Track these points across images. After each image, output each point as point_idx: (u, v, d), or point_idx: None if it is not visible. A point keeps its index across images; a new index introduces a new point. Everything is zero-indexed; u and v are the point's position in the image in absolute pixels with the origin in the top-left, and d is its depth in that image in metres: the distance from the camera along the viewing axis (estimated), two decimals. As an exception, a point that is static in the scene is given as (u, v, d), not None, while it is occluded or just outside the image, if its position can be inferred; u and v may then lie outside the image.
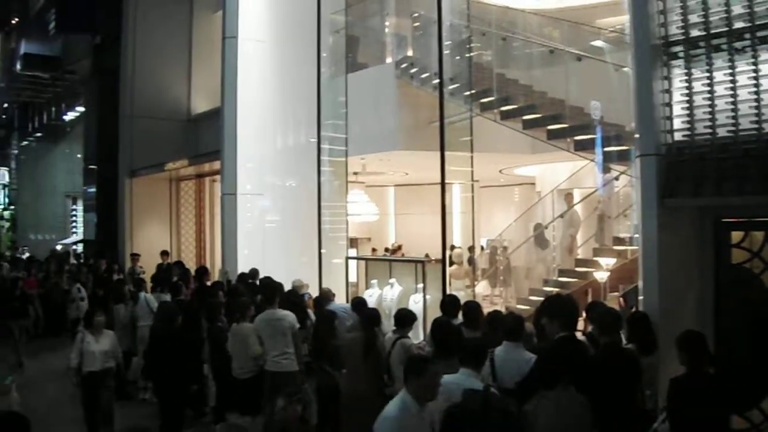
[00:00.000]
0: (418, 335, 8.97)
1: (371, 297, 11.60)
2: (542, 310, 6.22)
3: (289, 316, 8.64)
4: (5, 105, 40.06)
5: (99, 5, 23.10)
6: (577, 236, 12.77)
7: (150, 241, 19.61)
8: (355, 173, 14.44)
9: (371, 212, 15.46)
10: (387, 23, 14.43)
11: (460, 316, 7.52)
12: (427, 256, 12.77)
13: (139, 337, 11.04)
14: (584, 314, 7.35)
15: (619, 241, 11.65)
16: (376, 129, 12.92)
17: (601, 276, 10.90)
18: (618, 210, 12.02)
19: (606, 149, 10.03)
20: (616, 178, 11.21)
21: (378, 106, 13.04)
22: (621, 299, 9.31)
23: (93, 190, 24.25)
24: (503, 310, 10.13)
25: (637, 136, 6.84)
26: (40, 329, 15.99)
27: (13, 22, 40.86)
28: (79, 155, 29.59)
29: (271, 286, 9.77)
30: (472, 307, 7.64)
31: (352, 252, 13.90)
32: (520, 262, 13.66)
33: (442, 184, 10.57)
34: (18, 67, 30.73)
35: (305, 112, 13.82)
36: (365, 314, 7.93)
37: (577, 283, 11.50)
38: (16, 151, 37.30)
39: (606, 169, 10.93)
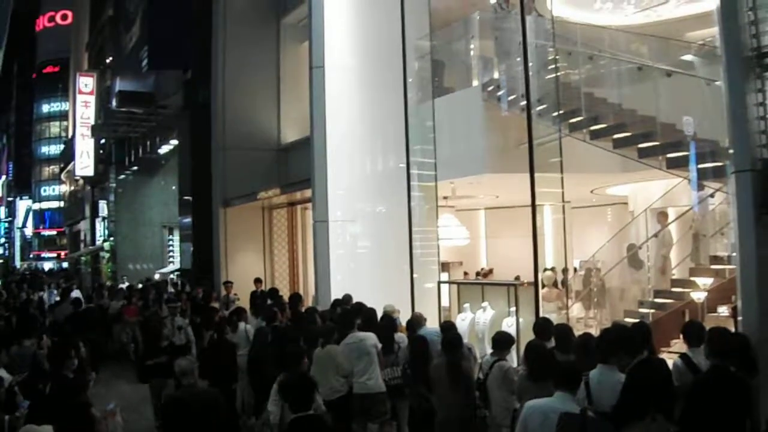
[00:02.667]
0: (512, 358, 9.05)
1: (464, 321, 11.77)
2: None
3: (370, 336, 8.96)
4: (102, 141, 41.91)
5: (189, 42, 24.06)
6: (670, 256, 12.57)
7: (244, 269, 20.23)
8: (445, 197, 14.62)
9: (462, 236, 15.59)
10: (472, 46, 14.59)
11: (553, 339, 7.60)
12: (517, 278, 12.84)
13: (239, 366, 11.26)
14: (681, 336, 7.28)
15: (716, 260, 11.45)
16: (464, 153, 13.10)
17: (698, 296, 10.74)
18: (714, 228, 11.79)
19: (700, 166, 9.94)
20: (712, 196, 11.04)
21: (466, 130, 13.25)
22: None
23: (188, 220, 25.13)
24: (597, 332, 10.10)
25: (731, 151, 6.79)
26: (140, 354, 16.65)
27: (108, 61, 42.96)
28: (174, 187, 30.74)
29: (348, 311, 10.06)
30: (564, 330, 7.75)
31: (444, 276, 14.01)
32: (614, 284, 13.52)
33: (533, 206, 10.66)
34: (113, 103, 32.16)
35: (393, 137, 14.11)
36: (446, 339, 8.11)
37: (673, 304, 11.34)
38: (114, 185, 38.84)
39: (700, 187, 10.80)
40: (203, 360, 9.76)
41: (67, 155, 58.09)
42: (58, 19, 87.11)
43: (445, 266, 14.41)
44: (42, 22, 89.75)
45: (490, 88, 13.29)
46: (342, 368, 8.72)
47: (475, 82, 14.06)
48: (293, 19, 21.21)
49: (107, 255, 41.74)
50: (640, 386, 5.21)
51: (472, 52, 14.65)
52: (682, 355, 6.61)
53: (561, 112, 11.74)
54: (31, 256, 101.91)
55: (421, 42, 14.27)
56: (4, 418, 6.03)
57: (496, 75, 13.74)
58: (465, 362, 7.99)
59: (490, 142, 12.73)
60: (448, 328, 9.13)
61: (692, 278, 11.50)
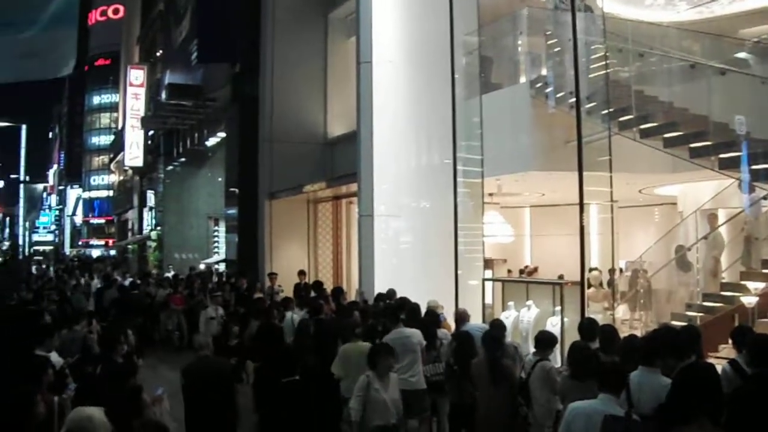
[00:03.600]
0: (555, 359, 8.95)
1: (508, 319, 11.68)
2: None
3: (416, 333, 8.91)
4: (151, 132, 42.46)
5: (237, 36, 24.22)
6: (720, 259, 12.29)
7: (288, 261, 20.32)
8: (491, 194, 14.51)
9: (507, 233, 15.48)
10: (520, 43, 14.45)
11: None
12: (561, 277, 12.69)
13: None
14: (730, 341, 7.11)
15: (768, 263, 11.19)
16: (510, 149, 12.99)
17: (749, 300, 10.48)
18: (767, 231, 11.52)
19: (753, 167, 9.70)
20: (765, 197, 10.77)
21: (512, 127, 13.15)
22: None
23: (234, 211, 25.33)
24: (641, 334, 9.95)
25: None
26: (185, 343, 16.86)
27: (158, 54, 43.48)
28: (220, 179, 31.01)
29: (394, 306, 10.03)
30: (609, 331, 7.66)
31: (488, 273, 13.90)
32: (660, 286, 13.27)
33: (581, 204, 10.51)
34: (163, 96, 32.49)
35: (439, 133, 14.05)
36: (487, 335, 8.06)
37: (722, 308, 11.06)
38: (162, 176, 39.33)
39: (753, 188, 10.54)
40: (255, 345, 9.87)
41: (117, 146, 59.07)
42: (110, 13, 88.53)
43: (488, 263, 14.30)
44: (94, 16, 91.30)
45: (539, 85, 13.16)
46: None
47: (523, 79, 13.94)
48: (341, 14, 21.27)
49: (154, 244, 42.34)
50: (687, 390, 5.07)
51: (519, 48, 14.51)
52: (731, 361, 6.45)
53: (610, 110, 11.55)
54: (80, 243, 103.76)
55: (469, 38, 14.16)
56: (53, 398, 6.12)
57: (544, 72, 13.60)
58: (507, 360, 7.91)
59: (537, 139, 12.60)
60: (496, 325, 9.01)
61: (743, 282, 11.24)
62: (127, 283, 22.59)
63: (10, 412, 5.02)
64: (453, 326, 10.24)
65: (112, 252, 75.87)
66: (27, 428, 5.00)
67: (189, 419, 7.62)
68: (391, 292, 12.06)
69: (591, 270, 12.52)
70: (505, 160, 13.04)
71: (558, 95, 12.48)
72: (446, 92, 13.81)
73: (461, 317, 10.06)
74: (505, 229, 15.43)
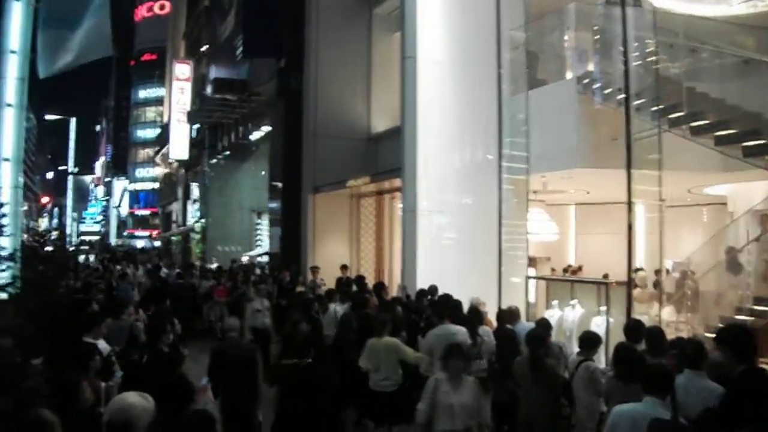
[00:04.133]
0: (600, 359, 8.80)
1: (552, 318, 11.52)
2: (717, 340, 5.96)
3: (462, 331, 8.87)
4: (197, 126, 42.91)
5: (283, 31, 24.30)
6: (773, 261, 11.96)
7: (330, 255, 20.40)
8: (535, 191, 14.34)
9: (551, 231, 15.29)
10: (567, 38, 14.24)
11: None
12: (605, 276, 12.49)
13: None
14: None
15: (823, 267, 10.85)
16: (556, 146, 12.83)
17: (804, 305, 10.18)
18: (823, 233, 11.19)
19: (810, 167, 9.43)
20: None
21: (558, 123, 12.97)
22: None
23: (277, 205, 25.49)
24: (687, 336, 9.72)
25: None
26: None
27: (203, 49, 43.89)
28: (264, 172, 31.24)
29: (440, 301, 9.97)
30: (656, 332, 7.48)
31: (531, 271, 13.75)
32: (709, 288, 12.96)
33: (629, 203, 10.36)
34: (208, 90, 32.91)
35: (483, 129, 13.98)
36: (530, 334, 8.00)
37: (775, 312, 10.76)
38: (206, 169, 39.76)
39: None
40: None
41: (163, 139, 59.82)
42: (156, 9, 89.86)
43: (532, 261, 14.16)
44: (141, 12, 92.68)
45: (586, 81, 12.93)
46: (408, 357, 8.73)
47: (570, 75, 13.72)
48: (386, 9, 21.26)
49: (198, 236, 42.82)
50: (744, 395, 4.93)
51: (566, 44, 14.29)
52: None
53: (660, 106, 11.29)
54: (125, 234, 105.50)
55: (515, 33, 14.04)
56: (100, 384, 6.23)
57: (591, 67, 13.38)
58: (551, 359, 7.82)
59: (584, 136, 12.41)
60: (541, 324, 8.94)
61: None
62: (174, 273, 22.95)
63: (58, 396, 5.12)
64: (495, 323, 10.11)
65: (157, 243, 76.92)
66: (74, 413, 5.09)
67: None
68: (433, 288, 12.00)
69: (637, 270, 12.30)
70: (551, 156, 12.88)
71: (606, 91, 12.26)
72: (491, 88, 13.74)
73: (511, 316, 9.97)
74: (550, 227, 15.23)
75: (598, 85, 12.59)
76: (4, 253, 6.92)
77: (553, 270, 16.38)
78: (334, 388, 7.45)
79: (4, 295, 6.92)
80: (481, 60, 14.01)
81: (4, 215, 6.92)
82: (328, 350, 10.56)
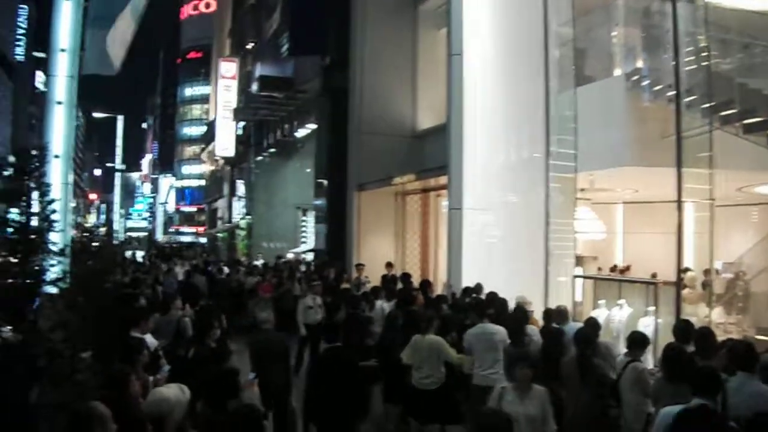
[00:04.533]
0: (647, 360, 8.73)
1: (599, 318, 11.41)
2: None
3: (501, 330, 8.85)
4: (242, 123, 43.39)
5: (328, 28, 24.48)
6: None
7: (376, 252, 20.51)
8: (582, 189, 14.22)
9: (598, 230, 15.16)
10: (615, 34, 14.11)
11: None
12: (654, 276, 12.36)
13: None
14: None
15: None
16: (604, 144, 12.71)
17: None
18: None
19: None
20: None
21: (606, 121, 12.85)
22: None
23: (322, 202, 25.69)
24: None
25: None
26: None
27: (249, 47, 44.35)
28: (309, 170, 31.53)
29: (480, 300, 9.98)
30: (706, 334, 7.40)
31: (577, 271, 13.66)
32: (760, 289, 12.75)
33: (679, 202, 10.25)
34: (254, 88, 33.27)
35: (530, 127, 13.92)
36: (578, 333, 7.96)
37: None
38: (252, 166, 40.19)
39: None
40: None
41: (209, 136, 60.60)
42: (201, 7, 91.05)
43: (578, 260, 14.03)
44: (186, 11, 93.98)
45: (635, 78, 12.77)
46: (451, 357, 8.74)
47: (618, 71, 13.58)
48: (431, 6, 21.26)
49: (243, 232, 43.30)
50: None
51: (614, 40, 14.15)
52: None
53: (712, 103, 11.12)
54: (171, 230, 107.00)
55: (562, 29, 13.93)
56: (148, 378, 6.41)
57: (640, 64, 13.23)
58: (598, 359, 7.76)
59: (633, 134, 12.26)
60: (589, 324, 8.88)
61: None
62: (215, 269, 23.30)
63: (108, 389, 5.29)
64: (541, 323, 10.08)
65: (202, 239, 77.91)
66: (123, 405, 5.25)
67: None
68: (479, 287, 12.02)
69: (685, 270, 12.16)
70: (599, 154, 12.76)
71: (655, 88, 12.09)
72: (538, 85, 13.67)
73: (560, 315, 9.89)
74: (597, 226, 15.08)
75: (647, 81, 12.42)
76: (55, 249, 7.09)
77: (600, 269, 16.24)
78: (357, 369, 7.62)
79: (55, 290, 7.10)
80: (527, 57, 13.94)
81: (54, 211, 7.10)
82: (373, 346, 10.72)
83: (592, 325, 8.82)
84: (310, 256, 29.41)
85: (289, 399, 8.43)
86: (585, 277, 13.45)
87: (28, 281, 6.74)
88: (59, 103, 12.55)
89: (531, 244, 13.41)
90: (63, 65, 12.71)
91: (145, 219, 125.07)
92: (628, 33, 13.80)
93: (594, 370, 7.37)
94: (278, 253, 32.55)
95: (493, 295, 10.94)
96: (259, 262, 27.59)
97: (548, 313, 10.06)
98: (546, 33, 13.73)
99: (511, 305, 10.49)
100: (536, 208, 13.46)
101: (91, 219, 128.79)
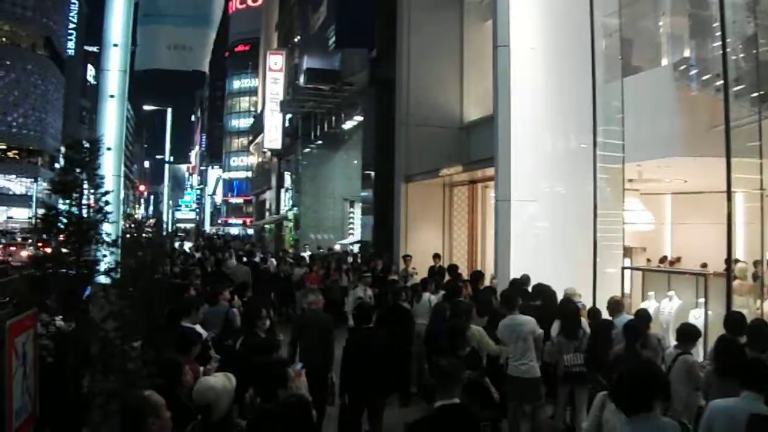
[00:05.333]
0: (698, 353, 8.77)
1: (648, 310, 11.47)
2: None
3: (530, 322, 9.00)
4: (290, 116, 43.81)
5: (374, 21, 24.62)
6: None
7: (423, 244, 20.69)
8: (630, 180, 14.21)
9: (647, 221, 15.10)
10: (661, 23, 14.05)
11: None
12: (703, 267, 12.32)
13: (415, 333, 11.65)
14: None
15: None
16: (652, 134, 12.70)
17: None
18: None
19: None
20: None
21: (654, 111, 12.82)
22: None
23: (369, 194, 25.90)
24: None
25: None
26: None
27: (296, 40, 44.72)
28: (356, 161, 31.83)
29: (510, 292, 10.08)
30: (758, 326, 7.43)
31: (626, 262, 13.66)
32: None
33: (728, 192, 10.19)
34: (301, 80, 33.55)
35: (577, 117, 13.92)
36: (626, 325, 8.03)
37: None
38: (299, 158, 40.57)
39: None
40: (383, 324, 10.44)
41: (256, 128, 61.25)
42: (249, 1, 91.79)
43: (627, 252, 14.00)
44: (234, 5, 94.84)
45: (682, 68, 12.72)
46: (489, 348, 8.85)
47: (665, 61, 13.55)
48: (477, -3, 21.27)
49: (290, 224, 43.74)
50: None
51: (661, 30, 14.10)
52: None
53: (761, 92, 11.05)
54: (219, 222, 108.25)
55: (609, 19, 13.89)
56: (199, 368, 6.65)
57: (687, 53, 13.17)
58: (648, 351, 7.82)
59: (681, 124, 12.22)
60: (640, 316, 8.91)
61: None
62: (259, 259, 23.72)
63: (164, 378, 5.56)
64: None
65: (250, 231, 78.71)
66: (175, 394, 5.54)
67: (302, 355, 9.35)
68: (526, 278, 12.07)
69: (737, 261, 12.09)
70: (646, 145, 12.75)
71: (703, 78, 12.04)
72: (585, 75, 13.63)
73: (614, 307, 9.90)
74: (645, 217, 15.02)
75: (695, 71, 12.38)
76: (108, 240, 7.31)
77: (648, 261, 16.20)
78: (386, 349, 8.79)
79: (107, 280, 7.31)
80: (574, 47, 13.92)
81: (108, 203, 7.31)
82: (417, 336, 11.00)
83: (643, 317, 8.84)
84: (356, 248, 29.71)
85: (329, 374, 9.08)
86: (634, 269, 13.45)
87: (81, 271, 6.89)
88: (111, 96, 12.95)
89: (579, 236, 13.42)
90: (115, 60, 13.08)
91: (193, 210, 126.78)
92: (674, 22, 13.75)
93: (641, 363, 7.39)
94: (325, 244, 32.92)
95: (540, 287, 11.05)
96: (306, 254, 27.96)
97: (594, 310, 10.14)
98: (592, 23, 13.69)
99: (560, 297, 10.61)
100: (584, 199, 13.46)
101: (140, 210, 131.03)
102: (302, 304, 19.02)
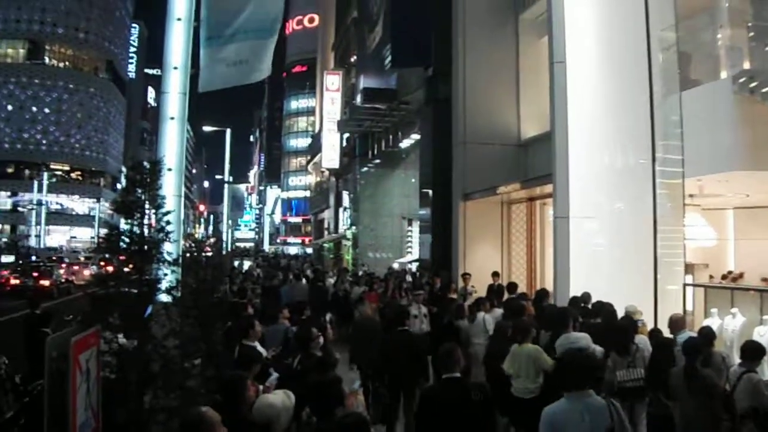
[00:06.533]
0: (763, 371, 8.65)
1: (711, 327, 11.37)
2: None
3: (583, 338, 8.98)
4: (347, 135, 44.29)
5: (429, 40, 24.84)
6: None
7: (481, 262, 20.71)
8: (691, 195, 14.11)
9: (708, 237, 14.94)
10: (720, 36, 13.96)
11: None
12: (765, 281, 12.15)
13: (471, 354, 11.59)
14: None
15: None
16: (712, 148, 12.65)
17: None
18: None
19: None
20: None
21: (714, 125, 12.75)
22: None
23: (427, 212, 26.00)
24: None
25: None
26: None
27: (352, 59, 45.28)
28: (414, 180, 32.00)
29: (561, 311, 10.07)
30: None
31: (688, 279, 13.53)
32: None
33: (792, 207, 10.11)
34: (358, 100, 33.93)
35: (635, 133, 13.89)
36: (687, 343, 7.90)
37: None
38: (357, 177, 40.93)
39: None
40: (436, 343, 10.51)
41: (314, 148, 62.00)
42: (305, 22, 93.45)
43: (688, 268, 13.85)
44: (291, 26, 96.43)
45: (742, 80, 12.64)
46: (547, 364, 8.83)
47: (724, 74, 13.45)
48: (532, 14, 21.45)
49: (349, 243, 44.04)
50: None
51: (719, 42, 14.01)
52: None
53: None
54: (278, 241, 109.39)
55: (665, 33, 13.89)
56: (259, 386, 6.80)
57: (747, 66, 13.07)
58: (709, 370, 7.75)
59: (742, 137, 12.16)
60: (702, 334, 8.81)
61: None
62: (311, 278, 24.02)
63: (227, 394, 5.77)
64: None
65: (309, 250, 79.37)
66: (237, 410, 5.71)
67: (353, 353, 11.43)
68: (586, 296, 11.99)
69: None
70: (707, 159, 12.69)
71: (764, 90, 11.97)
72: (643, 90, 13.64)
73: (674, 324, 9.85)
74: (707, 233, 14.87)
75: (755, 83, 12.30)
76: (169, 259, 7.52)
77: (711, 277, 16.00)
78: (416, 348, 10.27)
79: (168, 298, 7.51)
80: (631, 62, 13.93)
81: (169, 222, 7.55)
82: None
83: (705, 334, 8.73)
84: (415, 266, 29.83)
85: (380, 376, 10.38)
86: (696, 285, 13.33)
87: (143, 290, 7.09)
88: (172, 118, 13.36)
89: (639, 252, 13.36)
90: (175, 82, 13.45)
91: (252, 230, 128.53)
92: (733, 34, 13.67)
93: (702, 381, 7.24)
94: (385, 263, 33.09)
95: (601, 304, 11.03)
96: (364, 272, 28.18)
97: (655, 330, 10.08)
98: (649, 37, 13.71)
99: (620, 314, 10.58)
100: (644, 215, 13.42)
101: (200, 230, 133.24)
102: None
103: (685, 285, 12.98)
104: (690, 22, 14.12)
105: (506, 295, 14.78)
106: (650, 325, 10.63)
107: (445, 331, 11.68)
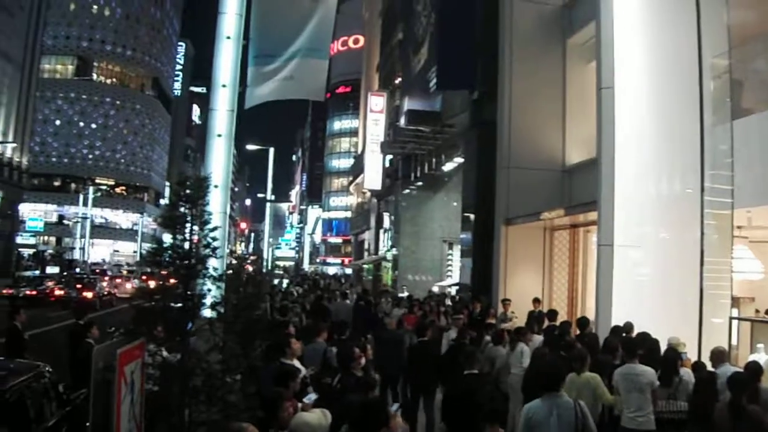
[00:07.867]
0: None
1: (759, 362, 11.13)
2: None
3: (648, 372, 8.82)
4: (390, 157, 44.45)
5: (475, 63, 24.86)
6: None
7: (522, 288, 20.60)
8: (739, 227, 13.85)
9: (756, 270, 14.62)
10: (774, 64, 13.77)
11: None
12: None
13: (508, 384, 11.64)
14: None
15: None
16: (763, 179, 12.45)
17: None
18: None
19: None
20: None
21: (765, 155, 12.53)
22: None
23: (468, 236, 25.92)
24: None
25: None
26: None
27: (397, 81, 45.53)
28: (455, 203, 31.98)
29: (631, 339, 9.95)
30: None
31: (733, 312, 13.27)
32: None
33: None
34: (402, 122, 34.05)
35: (683, 161, 13.75)
36: (731, 379, 7.77)
37: None
38: (399, 199, 41.02)
39: None
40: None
41: (356, 169, 62.30)
42: (350, 43, 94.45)
43: (734, 301, 13.58)
44: (336, 47, 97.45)
45: (796, 110, 12.46)
46: (605, 398, 8.78)
47: (778, 103, 13.24)
48: (580, 39, 21.36)
49: (389, 264, 44.08)
50: None
51: (774, 70, 13.81)
52: None
53: None
54: (318, 260, 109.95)
55: (717, 60, 13.73)
56: (297, 404, 6.84)
57: (801, 94, 12.88)
58: (755, 406, 7.60)
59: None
60: (752, 369, 8.63)
61: None
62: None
63: (264, 411, 5.80)
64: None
65: (348, 270, 79.64)
66: (275, 427, 5.84)
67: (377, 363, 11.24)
68: (629, 326, 11.93)
69: None
70: (758, 190, 12.49)
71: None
72: (692, 118, 13.49)
73: (718, 357, 9.71)
74: (755, 266, 14.54)
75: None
76: (215, 274, 7.60)
77: (757, 311, 15.65)
78: (436, 358, 12.12)
79: (212, 314, 7.60)
80: (681, 89, 13.80)
81: (215, 239, 7.64)
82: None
83: (753, 369, 8.57)
84: (454, 290, 29.76)
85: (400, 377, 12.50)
86: (742, 319, 13.08)
87: (188, 304, 7.20)
88: (219, 135, 13.54)
89: (684, 283, 13.17)
90: (223, 100, 13.68)
91: (292, 249, 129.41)
92: (787, 63, 13.48)
93: (748, 417, 7.18)
94: (425, 286, 33.01)
95: (644, 335, 10.88)
96: (403, 294, 28.17)
97: (699, 363, 9.91)
98: (700, 64, 13.57)
99: (663, 346, 10.43)
100: (690, 246, 13.23)
101: (241, 247, 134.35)
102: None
103: (731, 318, 12.73)
104: (743, 48, 13.93)
105: (546, 323, 14.64)
106: (693, 358, 10.42)
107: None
